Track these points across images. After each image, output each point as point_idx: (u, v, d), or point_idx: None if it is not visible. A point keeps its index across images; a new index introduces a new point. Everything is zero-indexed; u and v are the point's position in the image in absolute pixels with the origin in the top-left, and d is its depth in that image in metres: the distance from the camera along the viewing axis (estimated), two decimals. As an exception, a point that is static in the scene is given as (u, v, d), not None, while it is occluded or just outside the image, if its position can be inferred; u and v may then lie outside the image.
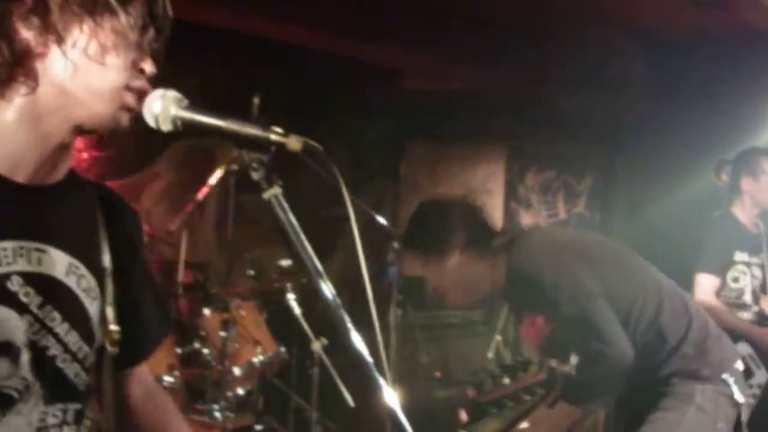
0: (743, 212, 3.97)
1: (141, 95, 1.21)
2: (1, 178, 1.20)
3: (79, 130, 1.24)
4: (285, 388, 4.49)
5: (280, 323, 4.21)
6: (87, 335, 1.29)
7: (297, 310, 4.00)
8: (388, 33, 4.92)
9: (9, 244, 1.19)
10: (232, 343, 3.83)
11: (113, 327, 1.33)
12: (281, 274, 4.44)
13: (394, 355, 4.09)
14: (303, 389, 4.30)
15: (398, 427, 1.12)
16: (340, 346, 1.14)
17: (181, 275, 4.13)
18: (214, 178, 3.94)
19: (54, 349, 1.24)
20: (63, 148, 1.25)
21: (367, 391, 1.12)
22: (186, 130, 1.18)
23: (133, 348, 1.42)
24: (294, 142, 1.13)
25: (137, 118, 1.22)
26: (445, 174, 6.42)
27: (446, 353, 5.63)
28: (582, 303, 2.64)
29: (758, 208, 3.99)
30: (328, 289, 1.13)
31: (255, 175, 1.14)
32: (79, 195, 1.34)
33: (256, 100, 2.44)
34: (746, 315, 3.92)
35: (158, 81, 1.25)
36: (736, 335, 3.73)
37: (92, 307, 1.31)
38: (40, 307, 1.22)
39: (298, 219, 1.14)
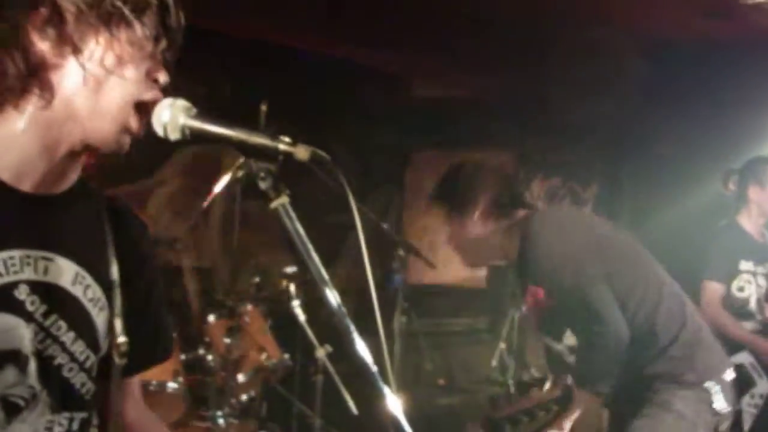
0: (749, 221, 3.98)
1: (152, 107, 1.20)
2: (6, 186, 1.19)
3: (86, 146, 1.23)
4: (288, 394, 4.47)
5: (285, 330, 4.21)
6: (93, 345, 1.29)
7: (302, 316, 3.98)
8: (393, 41, 4.94)
9: (16, 253, 1.19)
10: (237, 349, 3.83)
11: (121, 339, 1.33)
12: (286, 280, 4.43)
13: (398, 363, 4.09)
14: (306, 396, 4.29)
15: (401, 434, 1.11)
16: (344, 354, 1.14)
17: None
18: (221, 184, 3.93)
19: (60, 359, 1.23)
20: (71, 158, 1.24)
21: (370, 398, 1.12)
22: (194, 138, 1.18)
23: (133, 360, 1.40)
24: (302, 152, 1.13)
25: (146, 125, 1.21)
26: (450, 181, 6.41)
27: (450, 361, 5.62)
28: (583, 286, 2.72)
29: (765, 218, 4.00)
30: (333, 296, 1.13)
31: (263, 185, 1.14)
32: (88, 205, 1.34)
33: (263, 108, 2.44)
34: (750, 324, 3.91)
35: (166, 89, 1.24)
36: (738, 344, 3.73)
37: (99, 317, 1.30)
38: (46, 315, 1.21)
39: (303, 226, 1.14)
